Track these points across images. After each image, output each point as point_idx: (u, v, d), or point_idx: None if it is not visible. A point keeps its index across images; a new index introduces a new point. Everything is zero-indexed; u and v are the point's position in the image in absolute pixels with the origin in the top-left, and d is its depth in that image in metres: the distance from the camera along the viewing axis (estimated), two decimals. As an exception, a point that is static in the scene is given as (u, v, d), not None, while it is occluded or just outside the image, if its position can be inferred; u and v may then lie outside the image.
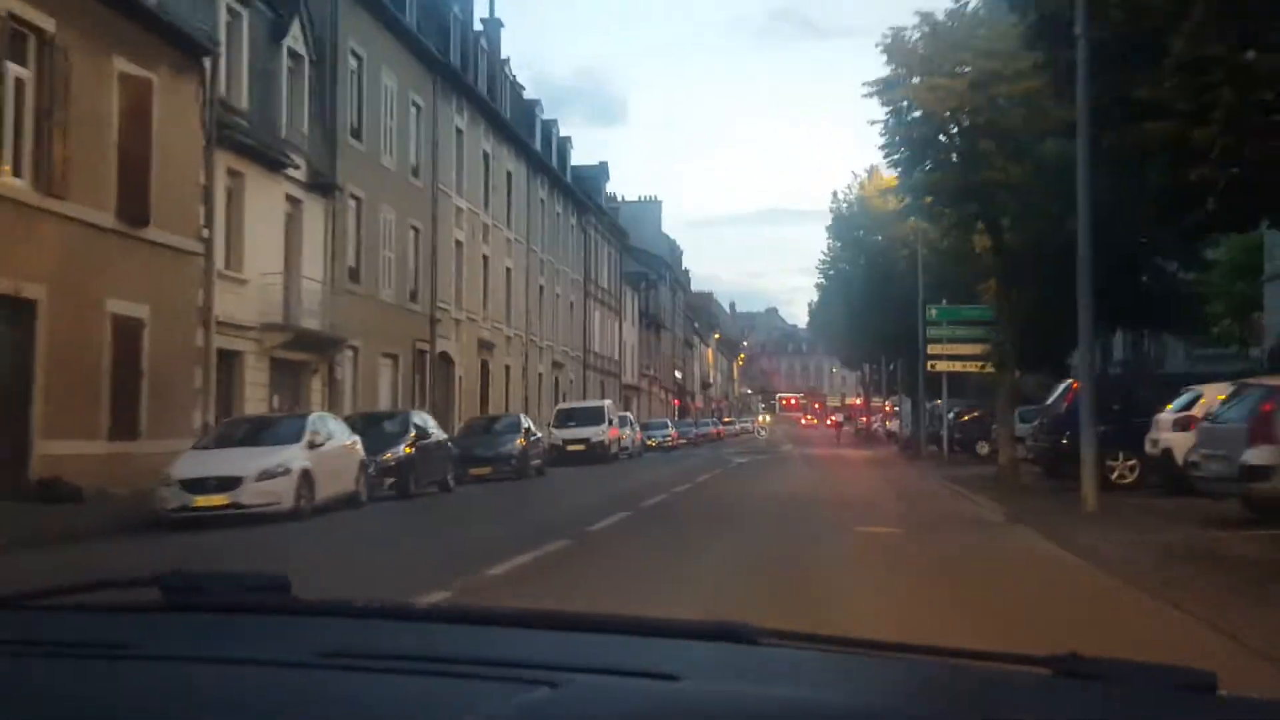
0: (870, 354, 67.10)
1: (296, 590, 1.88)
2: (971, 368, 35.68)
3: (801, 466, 34.55)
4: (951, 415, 42.63)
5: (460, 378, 38.92)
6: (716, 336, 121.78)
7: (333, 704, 1.41)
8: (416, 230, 34.75)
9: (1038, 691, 1.51)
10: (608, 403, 42.27)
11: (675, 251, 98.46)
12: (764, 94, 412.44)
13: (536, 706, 1.35)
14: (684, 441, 61.96)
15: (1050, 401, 21.58)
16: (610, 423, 40.23)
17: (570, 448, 38.56)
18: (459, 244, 38.77)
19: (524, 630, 1.78)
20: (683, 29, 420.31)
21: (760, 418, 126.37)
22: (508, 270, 44.85)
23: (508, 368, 45.08)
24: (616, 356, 67.83)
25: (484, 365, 41.64)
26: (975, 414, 38.45)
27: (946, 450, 35.68)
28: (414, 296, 34.66)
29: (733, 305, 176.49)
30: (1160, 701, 1.45)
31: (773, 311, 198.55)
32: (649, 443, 53.32)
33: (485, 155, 41.90)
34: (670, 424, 58.52)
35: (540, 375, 49.98)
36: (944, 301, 35.31)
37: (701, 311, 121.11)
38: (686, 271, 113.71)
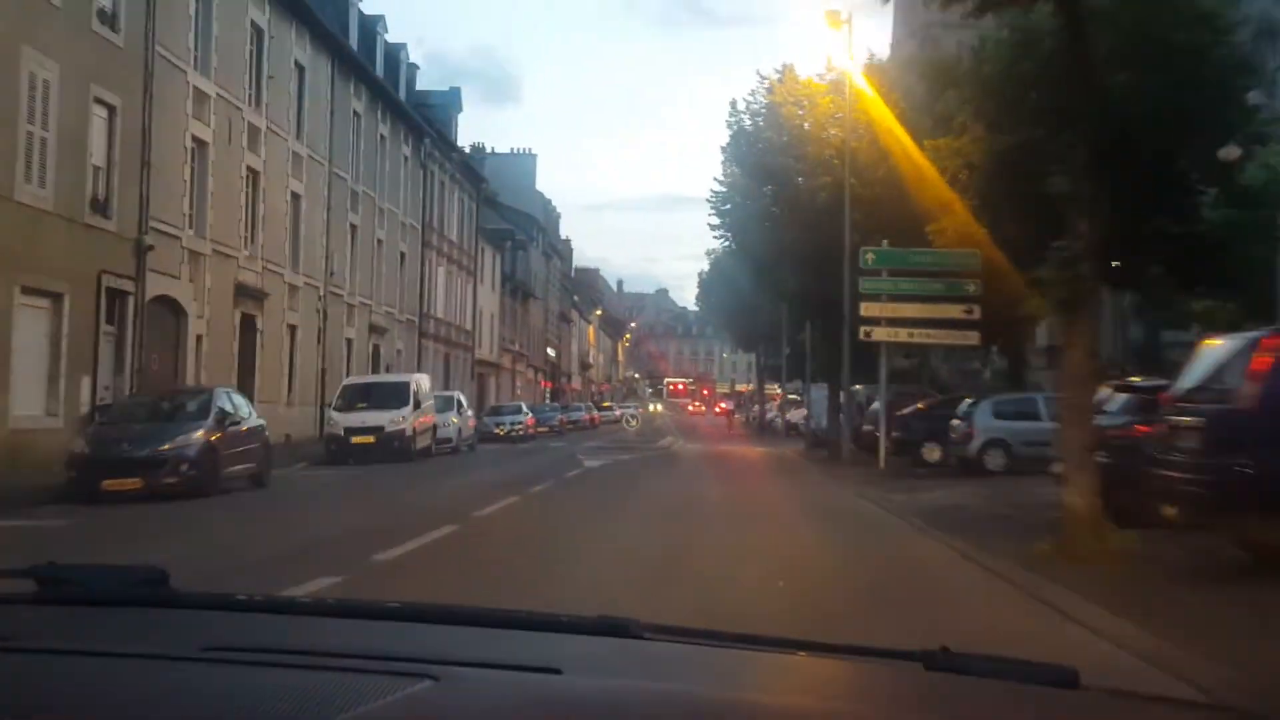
0: (769, 329, 56.98)
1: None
2: (925, 337, 25.24)
3: (678, 475, 23.59)
4: (876, 405, 32.65)
5: (200, 337, 27.05)
6: (599, 313, 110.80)
7: (213, 699, 1.41)
8: (110, 108, 22.75)
9: (909, 685, 1.58)
10: (418, 378, 30.92)
11: (551, 214, 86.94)
12: (661, 80, 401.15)
13: (418, 699, 1.37)
14: (544, 430, 50.98)
15: (1202, 373, 9.98)
16: (417, 405, 28.82)
17: (355, 439, 27.14)
18: (200, 143, 26.83)
19: (406, 623, 1.80)
20: (581, 11, 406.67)
21: (651, 405, 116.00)
22: (294, 196, 33.00)
23: (293, 328, 33.30)
24: (468, 325, 56.21)
25: (245, 321, 29.78)
26: (921, 405, 27.96)
27: (883, 454, 25.08)
28: (101, 207, 22.68)
29: (620, 284, 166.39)
30: (1024, 696, 1.52)
31: (663, 293, 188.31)
32: (497, 430, 42.40)
33: (255, 28, 29.90)
34: (525, 408, 47.32)
35: (350, 341, 38.27)
36: (884, 243, 24.83)
37: (585, 287, 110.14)
38: (568, 242, 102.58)
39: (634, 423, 36.61)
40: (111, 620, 1.75)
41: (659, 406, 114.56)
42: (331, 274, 35.84)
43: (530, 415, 47.76)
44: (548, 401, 64.94)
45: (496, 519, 13.35)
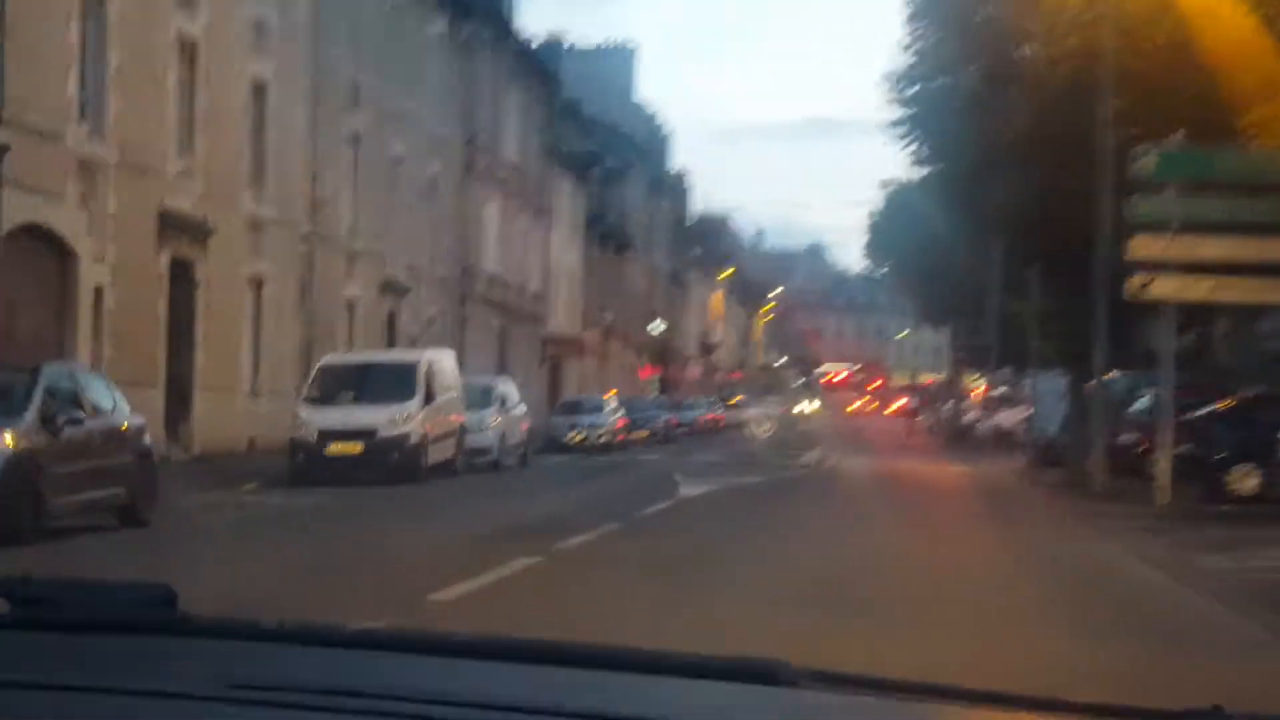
0: (970, 293, 52.20)
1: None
2: (1240, 293, 21.22)
3: (823, 515, 19.34)
4: (1143, 403, 28.44)
5: (100, 290, 23.78)
6: (729, 275, 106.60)
7: None
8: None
9: None
10: (434, 356, 27.49)
11: (657, 134, 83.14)
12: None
13: None
14: (642, 435, 47.28)
15: None
16: (430, 398, 25.23)
17: (334, 449, 23.74)
18: (97, -5, 23.45)
19: (487, 662, 1.87)
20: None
21: (801, 403, 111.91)
22: (257, 84, 29.64)
23: (258, 282, 30.04)
24: (535, 286, 52.61)
25: (177, 270, 26.46)
26: (1223, 405, 23.56)
27: (1164, 483, 20.76)
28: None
29: (760, 235, 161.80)
30: None
31: (817, 250, 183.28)
32: (573, 438, 38.80)
33: None
34: (612, 405, 43.53)
35: (352, 304, 34.92)
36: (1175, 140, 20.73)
37: (709, 239, 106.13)
38: (683, 176, 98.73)
39: (764, 428, 32.35)
40: (108, 649, 1.83)
41: (812, 404, 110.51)
42: (321, 205, 32.44)
43: (620, 414, 43.98)
44: (651, 395, 61.04)
45: (464, 611, 9.39)
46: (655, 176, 79.00)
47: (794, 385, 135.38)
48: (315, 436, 23.91)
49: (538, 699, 1.60)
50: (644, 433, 48.91)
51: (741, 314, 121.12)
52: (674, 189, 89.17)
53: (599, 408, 42.70)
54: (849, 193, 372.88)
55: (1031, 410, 38.48)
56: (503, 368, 47.63)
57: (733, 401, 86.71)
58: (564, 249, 57.09)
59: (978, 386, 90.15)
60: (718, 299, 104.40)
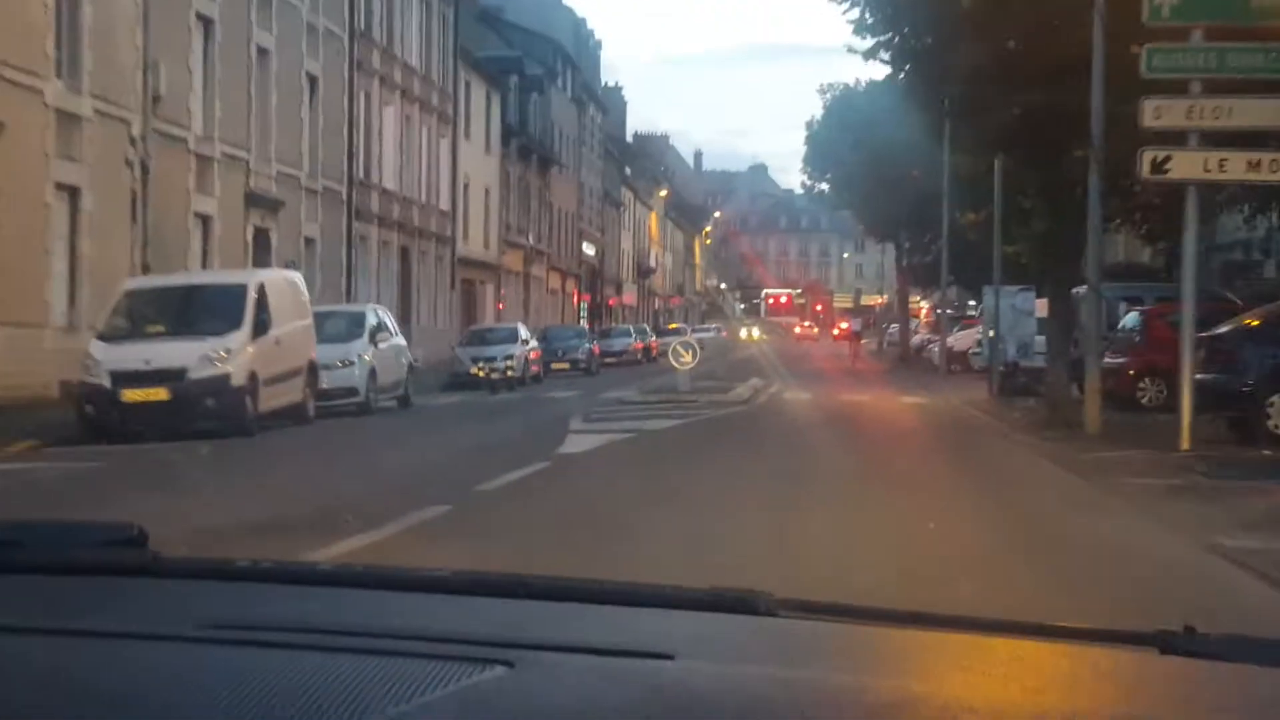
0: (917, 203, 47.47)
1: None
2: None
3: (755, 474, 14.03)
4: (1129, 320, 24.33)
5: None
6: (665, 195, 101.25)
7: (223, 686, 1.41)
8: None
9: (1139, 674, 1.59)
10: (268, 276, 22.21)
11: (587, 43, 77.28)
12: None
13: (489, 691, 1.39)
14: (563, 367, 42.50)
15: None
16: (262, 329, 20.02)
17: (130, 395, 18.54)
18: None
19: (468, 598, 1.85)
20: None
21: (743, 328, 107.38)
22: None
23: (71, 189, 24.61)
24: (443, 204, 47.19)
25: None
26: (1253, 320, 18.75)
27: (1186, 424, 16.00)
28: None
29: (698, 156, 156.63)
30: None
31: (759, 170, 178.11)
32: (477, 372, 33.71)
33: None
34: (525, 334, 38.35)
35: (205, 220, 29.50)
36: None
37: (645, 160, 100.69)
38: (618, 91, 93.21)
39: (686, 359, 27.14)
40: (80, 591, 1.79)
41: (754, 329, 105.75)
42: (157, 98, 26.92)
43: (535, 345, 38.86)
44: (577, 324, 55.75)
45: None
46: (585, 86, 73.32)
47: (736, 310, 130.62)
48: (108, 381, 18.66)
49: (513, 633, 1.56)
50: (564, 364, 43.89)
51: (680, 237, 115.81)
52: (607, 104, 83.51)
53: (509, 337, 37.42)
54: (791, 118, 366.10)
55: (989, 331, 33.66)
56: (404, 294, 42.48)
57: (671, 327, 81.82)
58: (478, 163, 51.53)
59: (921, 307, 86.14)
60: (655, 221, 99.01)
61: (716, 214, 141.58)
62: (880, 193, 54.73)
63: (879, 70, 31.14)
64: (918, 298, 76.86)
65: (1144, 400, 23.71)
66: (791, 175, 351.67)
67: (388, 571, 2.10)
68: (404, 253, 42.98)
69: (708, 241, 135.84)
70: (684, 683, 1.43)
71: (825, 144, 57.96)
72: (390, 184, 41.61)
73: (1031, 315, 32.29)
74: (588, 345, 45.75)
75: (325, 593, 1.93)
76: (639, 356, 53.42)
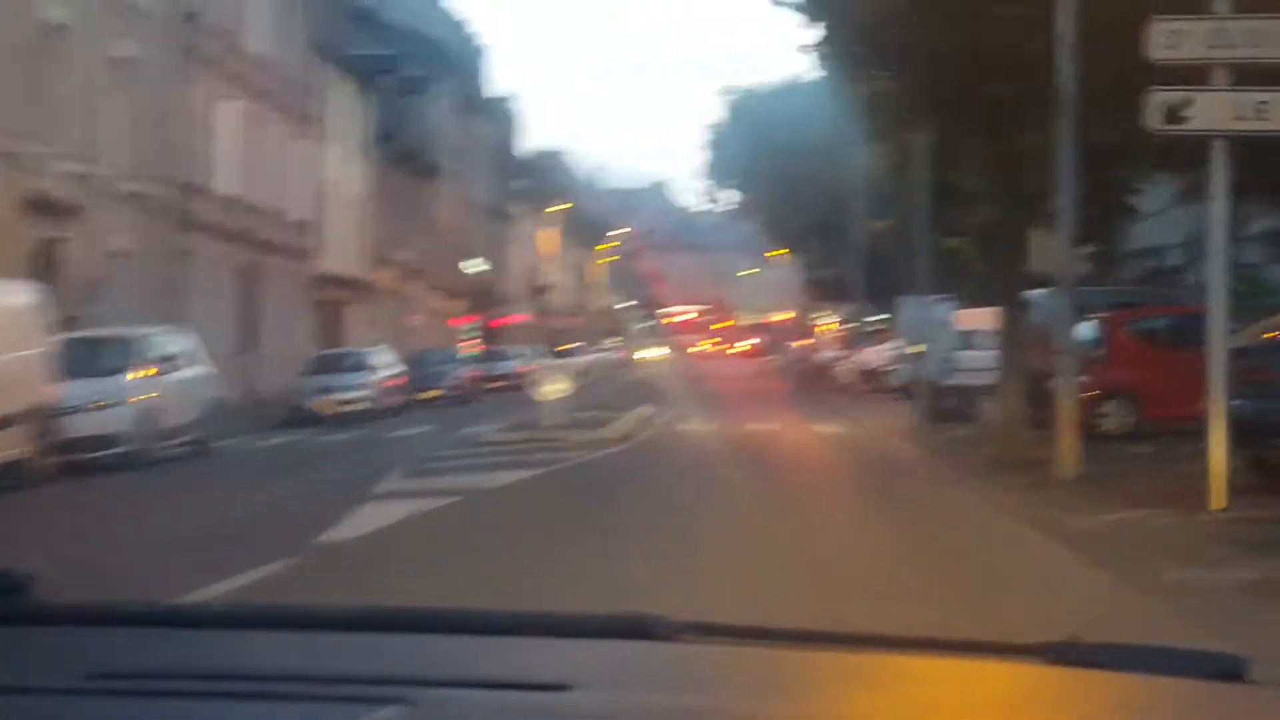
0: (827, 208, 43.33)
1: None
2: None
3: (613, 575, 9.07)
4: (1087, 331, 20.10)
5: None
6: (560, 209, 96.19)
7: None
8: None
9: (1030, 686, 1.64)
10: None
11: (469, 47, 72.18)
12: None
13: None
14: (433, 395, 37.67)
15: None
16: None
17: None
18: None
19: (361, 635, 1.82)
20: None
21: (642, 348, 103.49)
22: None
23: None
24: (301, 214, 41.84)
25: None
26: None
27: (1217, 470, 11.28)
28: None
29: (598, 173, 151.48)
30: (1178, 693, 1.56)
31: (660, 187, 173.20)
32: (321, 406, 28.80)
33: None
34: (381, 359, 33.25)
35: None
36: None
37: (541, 174, 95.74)
38: (506, 103, 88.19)
39: (555, 387, 22.04)
40: None
41: (656, 350, 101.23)
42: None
43: (392, 371, 33.72)
44: (454, 347, 50.31)
45: None
46: (469, 95, 68.11)
47: (638, 329, 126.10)
48: None
49: (407, 670, 1.53)
50: (435, 391, 38.78)
51: (579, 255, 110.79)
52: (496, 114, 78.36)
53: (360, 365, 32.23)
54: (694, 138, 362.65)
55: (909, 346, 29.03)
56: (250, 316, 37.10)
57: (567, 348, 76.82)
58: (344, 170, 46.18)
59: (828, 323, 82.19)
60: (549, 237, 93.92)
61: (617, 231, 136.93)
62: (786, 198, 50.44)
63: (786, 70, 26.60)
64: (824, 313, 72.99)
65: (1107, 427, 19.28)
66: (693, 193, 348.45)
67: (279, 609, 2.05)
68: (250, 269, 37.57)
69: (608, 259, 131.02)
70: (581, 714, 1.43)
71: (728, 149, 53.55)
72: (233, 189, 36.19)
73: (952, 328, 27.88)
74: (462, 370, 40.54)
75: (218, 635, 1.85)
76: (513, 383, 48.05)
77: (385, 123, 50.98)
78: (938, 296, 27.19)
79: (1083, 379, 19.17)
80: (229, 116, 36.01)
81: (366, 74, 48.72)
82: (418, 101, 55.75)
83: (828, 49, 18.63)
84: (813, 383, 47.16)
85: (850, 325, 56.95)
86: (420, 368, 39.95)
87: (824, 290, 58.94)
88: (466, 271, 65.49)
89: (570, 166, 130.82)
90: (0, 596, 1.81)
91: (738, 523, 11.85)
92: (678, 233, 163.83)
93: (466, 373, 41.14)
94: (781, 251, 68.21)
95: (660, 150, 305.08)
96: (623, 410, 26.66)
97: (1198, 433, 17.99)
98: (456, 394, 39.10)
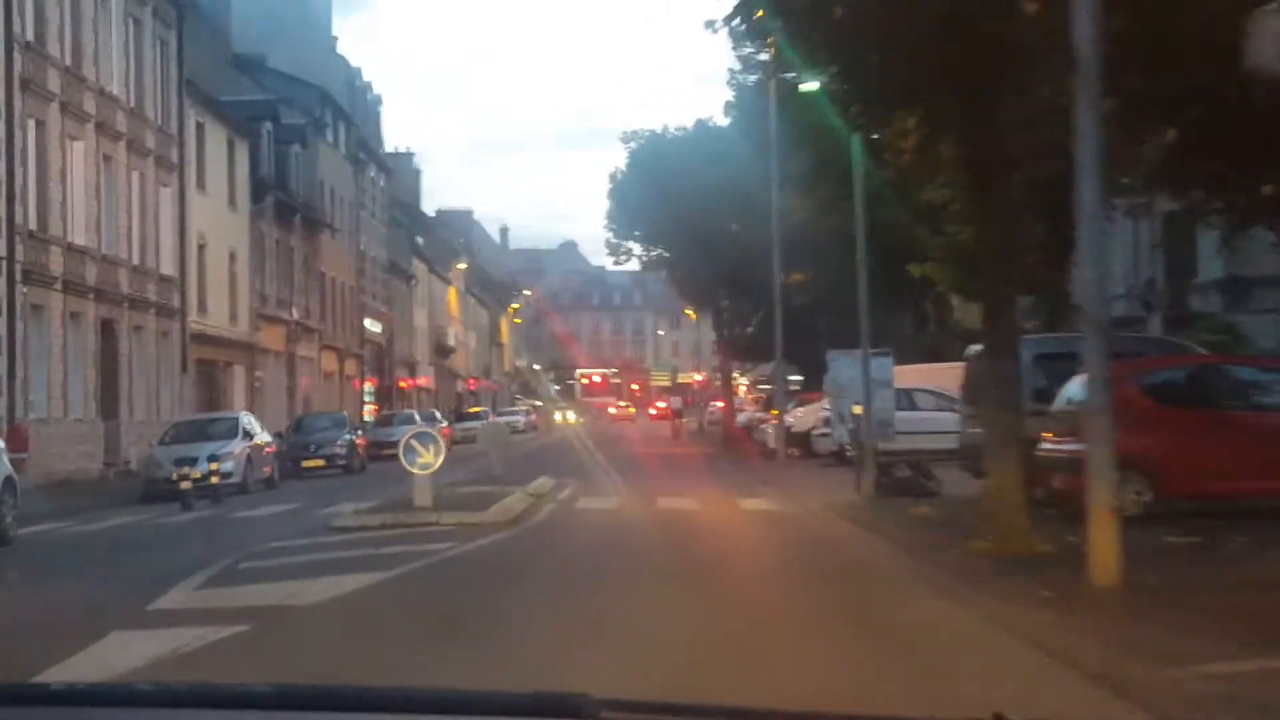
0: (739, 260, 40.05)
1: None
2: None
3: None
4: (1072, 390, 16.58)
5: None
6: (464, 267, 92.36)
7: None
8: None
9: None
10: None
11: (363, 97, 68.49)
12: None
13: None
14: (321, 463, 33.77)
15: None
16: None
17: None
18: None
19: (283, 713, 1.77)
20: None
21: (555, 411, 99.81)
22: None
23: None
24: (169, 269, 37.70)
25: None
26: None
27: None
28: None
29: (504, 232, 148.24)
30: None
31: (569, 247, 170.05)
32: (177, 478, 24.69)
33: None
34: (248, 426, 29.15)
35: None
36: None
37: (445, 232, 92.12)
38: (408, 159, 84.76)
39: (424, 460, 17.94)
40: None
41: (567, 414, 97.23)
42: None
43: (265, 440, 29.68)
44: (340, 412, 45.88)
45: None
46: (363, 146, 64.25)
47: (550, 391, 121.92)
48: None
49: None
50: (318, 460, 34.74)
51: (485, 315, 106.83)
52: (395, 168, 74.53)
53: (227, 432, 28.15)
54: (603, 201, 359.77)
55: (842, 407, 25.36)
56: (109, 379, 32.96)
57: (472, 411, 72.71)
58: (218, 220, 42.08)
59: (747, 382, 78.87)
60: (454, 297, 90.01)
61: (526, 291, 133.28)
62: (695, 250, 46.97)
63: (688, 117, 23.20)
64: (739, 373, 69.64)
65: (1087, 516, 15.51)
66: (603, 255, 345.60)
67: (201, 688, 1.98)
68: (106, 326, 33.39)
69: (517, 320, 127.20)
70: None
71: (629, 197, 49.91)
72: (81, 239, 32.07)
73: (889, 386, 24.42)
74: (348, 436, 36.46)
75: (139, 714, 1.82)
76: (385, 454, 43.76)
77: (266, 173, 46.99)
78: (873, 350, 23.75)
79: (1078, 446, 15.37)
80: (75, 158, 31.94)
81: (241, 120, 44.73)
82: (304, 150, 51.80)
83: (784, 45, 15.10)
84: (734, 447, 43.47)
85: (769, 385, 53.56)
86: (304, 434, 35.98)
87: (738, 349, 55.49)
88: (367, 331, 61.46)
89: (477, 225, 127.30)
90: None
91: (645, 677, 7.71)
92: (586, 292, 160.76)
93: (355, 439, 37.03)
94: (691, 308, 64.88)
95: (571, 211, 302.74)
96: (515, 485, 22.77)
97: (1235, 514, 14.27)
98: (342, 463, 35.03)
